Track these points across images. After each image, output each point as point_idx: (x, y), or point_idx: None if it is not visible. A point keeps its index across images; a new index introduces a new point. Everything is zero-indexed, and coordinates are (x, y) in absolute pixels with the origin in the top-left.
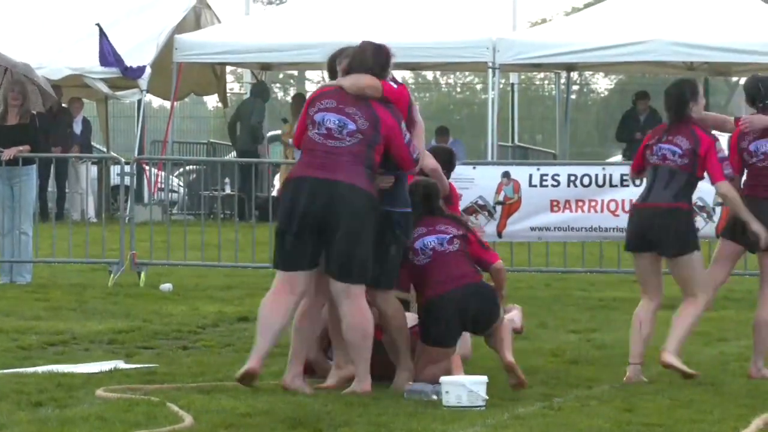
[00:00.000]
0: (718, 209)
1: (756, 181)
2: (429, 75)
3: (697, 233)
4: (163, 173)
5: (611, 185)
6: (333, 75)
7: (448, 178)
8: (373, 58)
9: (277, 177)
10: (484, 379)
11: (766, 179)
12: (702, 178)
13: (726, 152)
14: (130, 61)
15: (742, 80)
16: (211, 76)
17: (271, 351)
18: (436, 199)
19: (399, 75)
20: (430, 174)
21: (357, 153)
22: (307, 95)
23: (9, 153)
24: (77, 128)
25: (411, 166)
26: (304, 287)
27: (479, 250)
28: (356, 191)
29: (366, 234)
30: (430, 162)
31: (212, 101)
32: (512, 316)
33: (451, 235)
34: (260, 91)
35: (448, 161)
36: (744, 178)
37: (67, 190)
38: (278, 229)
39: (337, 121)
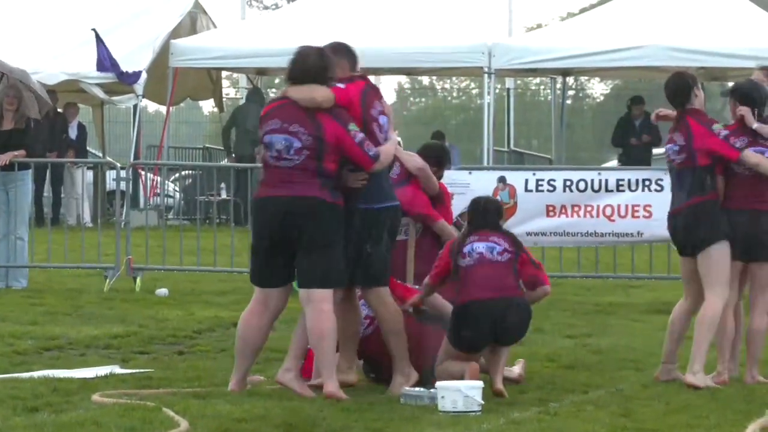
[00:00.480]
0: None
1: (741, 191)
2: (425, 80)
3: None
4: (158, 178)
5: (607, 190)
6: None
7: (440, 176)
8: (316, 64)
9: None
10: (480, 384)
11: (748, 189)
12: (710, 165)
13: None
14: (126, 66)
15: None
16: (207, 81)
17: (253, 368)
18: (495, 215)
19: (395, 80)
20: (416, 173)
21: (307, 168)
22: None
23: (4, 158)
24: (73, 133)
25: (369, 164)
26: (279, 303)
27: (533, 269)
28: (310, 201)
29: (327, 241)
30: (416, 161)
31: (208, 106)
32: (516, 367)
33: (503, 248)
34: (256, 96)
35: (437, 158)
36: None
37: (62, 195)
38: (252, 247)
39: (283, 141)
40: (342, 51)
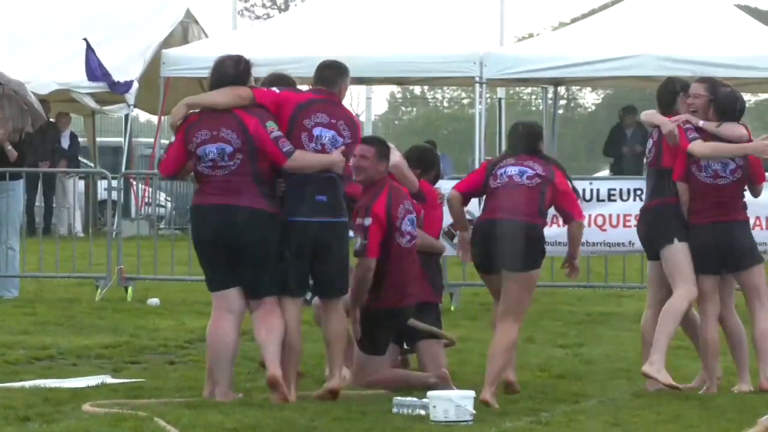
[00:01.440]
0: None
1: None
2: (416, 89)
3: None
4: (150, 188)
5: (598, 200)
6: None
7: (430, 179)
8: (233, 69)
9: None
10: (472, 393)
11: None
12: (671, 167)
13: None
14: (118, 76)
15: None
16: (199, 90)
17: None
18: (533, 139)
19: (386, 89)
20: (392, 170)
21: (244, 172)
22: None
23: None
24: (64, 143)
25: (281, 160)
26: (241, 303)
27: (567, 201)
28: (246, 212)
29: (263, 251)
30: (393, 157)
31: None
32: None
33: (535, 173)
34: None
35: (418, 159)
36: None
37: (54, 205)
38: (197, 254)
39: (216, 150)
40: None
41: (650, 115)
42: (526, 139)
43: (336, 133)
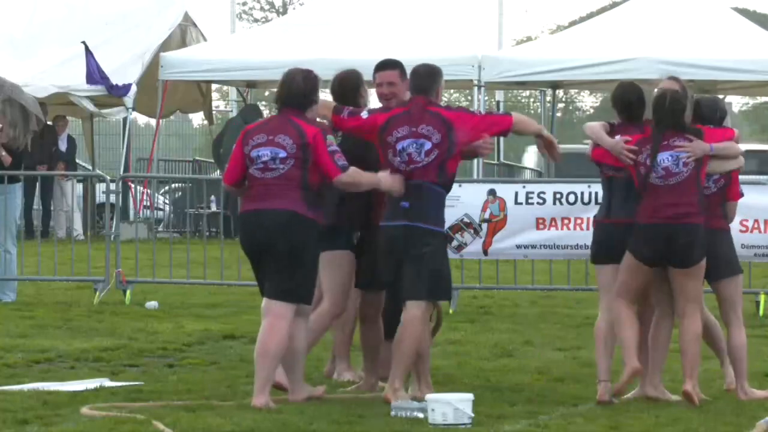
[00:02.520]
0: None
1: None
2: None
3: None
4: (148, 191)
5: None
6: (341, 99)
7: None
8: (303, 84)
9: None
10: (470, 396)
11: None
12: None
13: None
14: (116, 79)
15: (728, 98)
16: (197, 93)
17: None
18: (681, 113)
19: None
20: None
21: (291, 177)
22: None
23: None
24: (62, 146)
25: (333, 173)
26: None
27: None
28: (284, 214)
29: (296, 255)
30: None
31: (198, 119)
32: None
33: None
34: (252, 113)
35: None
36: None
37: (52, 208)
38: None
39: (269, 153)
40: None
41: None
42: (676, 114)
43: (417, 139)
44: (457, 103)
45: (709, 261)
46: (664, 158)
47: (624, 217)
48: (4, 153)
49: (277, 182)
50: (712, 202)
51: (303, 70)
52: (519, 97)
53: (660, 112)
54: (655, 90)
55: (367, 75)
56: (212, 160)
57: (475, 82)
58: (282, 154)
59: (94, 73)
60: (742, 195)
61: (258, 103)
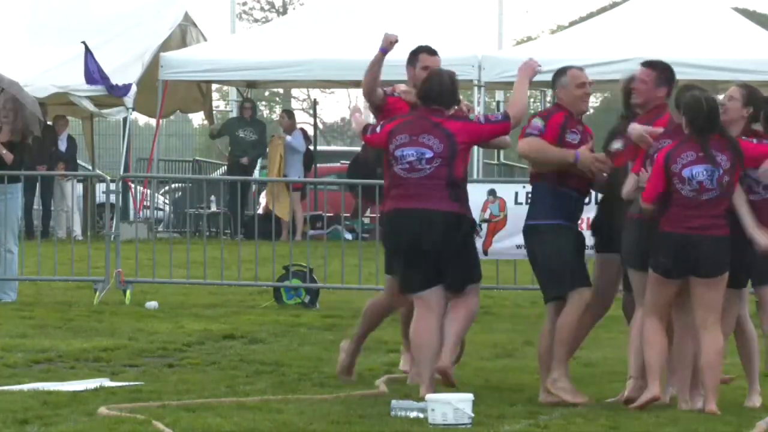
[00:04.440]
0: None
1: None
2: None
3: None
4: (148, 191)
5: (597, 203)
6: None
7: None
8: (450, 84)
9: (263, 195)
10: (470, 396)
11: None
12: None
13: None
14: (116, 79)
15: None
16: (197, 93)
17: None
18: (717, 117)
19: None
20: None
21: (439, 176)
22: (295, 112)
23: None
24: (62, 146)
25: (506, 126)
26: (441, 301)
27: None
28: (441, 215)
29: (457, 250)
30: None
31: (198, 119)
32: None
33: (723, 170)
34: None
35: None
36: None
37: (52, 208)
38: (391, 258)
39: (414, 154)
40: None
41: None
42: (713, 118)
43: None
44: None
45: (757, 266)
46: (699, 172)
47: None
48: (5, 151)
49: (425, 182)
50: (763, 208)
51: (448, 71)
52: None
53: (700, 119)
54: (722, 96)
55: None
56: (213, 160)
57: (475, 82)
58: (428, 154)
59: (94, 73)
60: None
61: (258, 102)
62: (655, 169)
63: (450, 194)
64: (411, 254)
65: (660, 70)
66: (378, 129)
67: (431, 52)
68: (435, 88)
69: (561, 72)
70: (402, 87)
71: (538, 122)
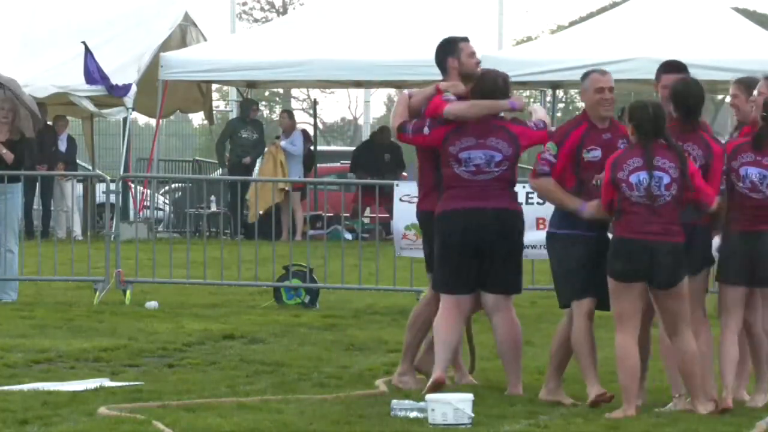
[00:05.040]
0: None
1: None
2: None
3: None
4: (148, 191)
5: None
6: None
7: None
8: (503, 84)
9: (248, 194)
10: (470, 396)
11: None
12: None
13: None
14: (116, 79)
15: (728, 98)
16: (197, 93)
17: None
18: (663, 121)
19: (384, 93)
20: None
21: (505, 178)
22: (294, 111)
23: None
24: (62, 146)
25: (546, 137)
26: (471, 305)
27: (699, 183)
28: (507, 214)
29: (517, 249)
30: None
31: (198, 119)
32: None
33: (671, 179)
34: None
35: None
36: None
37: (52, 208)
38: (440, 256)
39: (483, 157)
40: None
41: None
42: (659, 121)
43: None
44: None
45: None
46: (646, 178)
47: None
48: (5, 151)
49: (492, 183)
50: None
51: (500, 72)
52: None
53: (645, 124)
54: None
55: (366, 75)
56: (213, 160)
57: None
58: (498, 157)
59: (94, 73)
60: None
61: (258, 102)
62: (605, 176)
63: (511, 195)
64: (467, 253)
65: None
66: (426, 130)
67: (467, 39)
68: (489, 87)
69: (584, 75)
70: (444, 84)
71: (550, 153)
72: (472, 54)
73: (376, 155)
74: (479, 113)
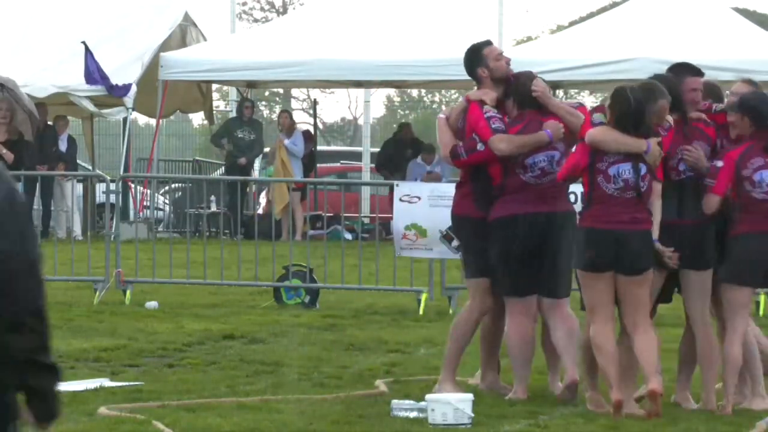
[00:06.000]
0: None
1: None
2: (414, 92)
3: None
4: (148, 191)
5: None
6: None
7: None
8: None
9: (263, 195)
10: (470, 396)
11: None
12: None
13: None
14: (116, 79)
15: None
16: (197, 93)
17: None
18: (648, 117)
19: (384, 92)
20: None
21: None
22: (293, 112)
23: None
24: (62, 146)
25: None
26: (536, 308)
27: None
28: (569, 216)
29: (569, 250)
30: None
31: (198, 119)
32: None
33: (646, 170)
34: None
35: None
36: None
37: (52, 208)
38: (505, 260)
39: (545, 159)
40: None
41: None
42: (643, 116)
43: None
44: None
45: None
46: (625, 169)
47: (698, 218)
48: (5, 151)
49: (555, 185)
50: None
51: (539, 76)
52: None
53: (626, 118)
54: (727, 92)
55: (366, 75)
56: (213, 160)
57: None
58: (557, 155)
59: (94, 73)
60: None
61: (258, 102)
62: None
63: (567, 196)
64: (532, 254)
65: None
66: (480, 146)
67: (490, 42)
68: (526, 89)
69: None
70: (473, 94)
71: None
72: (499, 56)
73: (399, 152)
74: (522, 150)
